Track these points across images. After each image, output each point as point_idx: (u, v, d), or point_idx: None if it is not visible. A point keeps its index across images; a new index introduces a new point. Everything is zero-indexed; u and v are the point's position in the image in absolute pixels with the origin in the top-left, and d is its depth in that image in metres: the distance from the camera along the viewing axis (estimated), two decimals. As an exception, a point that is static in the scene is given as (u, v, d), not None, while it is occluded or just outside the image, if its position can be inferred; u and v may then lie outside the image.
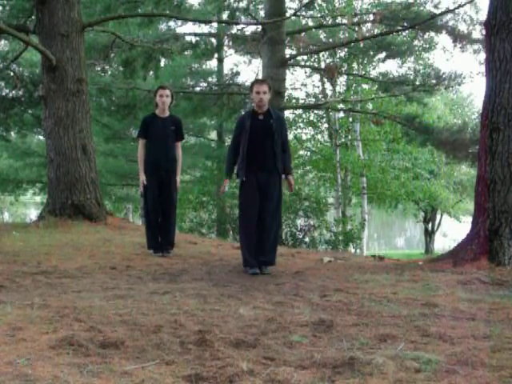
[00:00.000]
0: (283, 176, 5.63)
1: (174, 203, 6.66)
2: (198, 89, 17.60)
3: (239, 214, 5.80)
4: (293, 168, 5.79)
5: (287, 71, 15.63)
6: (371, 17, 14.04)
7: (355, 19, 14.13)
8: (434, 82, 15.29)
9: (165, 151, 6.47)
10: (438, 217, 28.80)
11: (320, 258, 6.72)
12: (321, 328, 3.10)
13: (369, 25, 13.88)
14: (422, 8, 14.29)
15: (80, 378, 2.20)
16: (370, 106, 21.10)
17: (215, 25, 16.97)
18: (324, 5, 17.98)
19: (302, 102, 20.93)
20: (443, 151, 16.72)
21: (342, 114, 21.59)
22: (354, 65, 19.37)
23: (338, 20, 15.24)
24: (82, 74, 9.33)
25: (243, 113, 6.39)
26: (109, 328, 2.96)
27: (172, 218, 6.65)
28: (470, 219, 5.87)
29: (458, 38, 13.60)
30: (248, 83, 17.28)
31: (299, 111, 22.27)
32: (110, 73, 16.28)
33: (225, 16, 15.78)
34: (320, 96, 21.54)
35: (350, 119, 21.51)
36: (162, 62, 16.84)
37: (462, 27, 13.82)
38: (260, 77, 13.55)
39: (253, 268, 5.34)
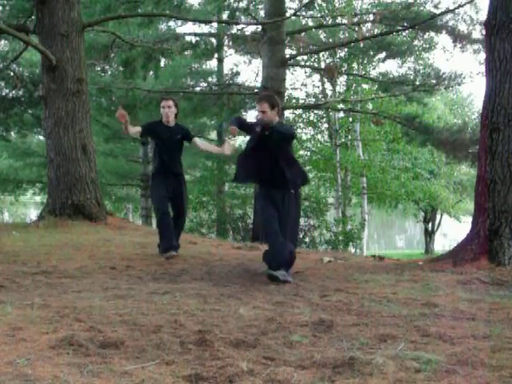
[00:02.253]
0: None
1: (185, 206, 6.51)
2: (198, 89, 17.58)
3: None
4: None
5: (287, 71, 15.62)
6: (371, 17, 14.03)
7: (355, 19, 14.10)
8: (434, 82, 15.27)
9: (172, 159, 6.31)
10: (438, 217, 28.80)
11: (320, 258, 6.72)
12: (321, 328, 3.10)
13: (369, 25, 13.86)
14: (422, 8, 14.26)
15: (80, 378, 2.20)
16: (370, 106, 21.09)
17: (215, 25, 16.96)
18: (324, 5, 17.96)
19: (302, 101, 20.92)
20: (443, 151, 16.71)
21: (342, 114, 21.58)
22: (354, 65, 19.36)
23: (338, 20, 15.21)
24: (82, 74, 9.33)
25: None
26: (109, 328, 2.96)
27: (183, 220, 6.55)
28: (470, 219, 5.87)
29: (458, 38, 13.59)
30: (248, 83, 17.31)
31: (299, 111, 22.26)
32: (110, 73, 16.28)
33: (225, 16, 15.77)
34: (320, 96, 21.53)
35: (350, 119, 21.50)
36: (162, 62, 16.85)
37: (462, 27, 13.82)
38: (260, 77, 13.57)
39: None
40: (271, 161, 5.07)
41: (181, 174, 6.49)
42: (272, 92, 12.33)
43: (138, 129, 6.35)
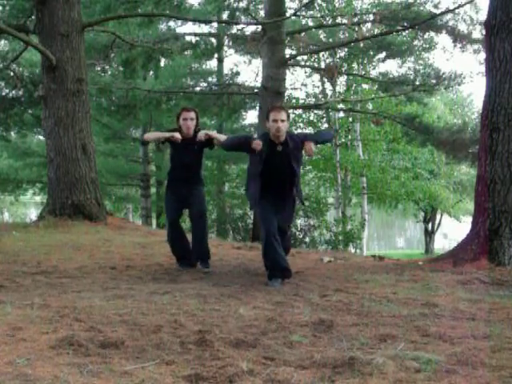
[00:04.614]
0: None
1: (203, 211, 5.76)
2: (198, 89, 17.61)
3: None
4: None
5: (287, 71, 15.62)
6: (371, 17, 14.03)
7: (355, 19, 14.10)
8: (433, 82, 15.28)
9: (187, 174, 5.67)
10: (438, 217, 28.81)
11: (320, 257, 6.72)
12: (321, 328, 3.10)
13: (369, 25, 13.87)
14: (421, 8, 14.26)
15: (80, 378, 2.20)
16: (370, 106, 21.08)
17: (215, 25, 16.97)
18: (324, 5, 17.95)
19: (302, 102, 20.92)
20: (443, 151, 16.73)
21: (342, 114, 21.57)
22: (354, 65, 19.35)
23: (338, 20, 15.19)
24: (82, 74, 9.33)
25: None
26: (109, 328, 2.96)
27: (203, 226, 5.74)
28: (470, 219, 5.87)
29: (458, 38, 13.60)
30: (248, 83, 17.32)
31: (299, 111, 22.25)
32: (110, 73, 16.30)
33: (225, 16, 15.78)
34: (320, 96, 21.53)
35: (350, 119, 21.49)
36: (162, 62, 16.87)
37: (462, 27, 13.82)
38: (260, 77, 13.56)
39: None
40: (284, 177, 4.79)
41: (195, 183, 5.73)
42: (272, 92, 12.34)
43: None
